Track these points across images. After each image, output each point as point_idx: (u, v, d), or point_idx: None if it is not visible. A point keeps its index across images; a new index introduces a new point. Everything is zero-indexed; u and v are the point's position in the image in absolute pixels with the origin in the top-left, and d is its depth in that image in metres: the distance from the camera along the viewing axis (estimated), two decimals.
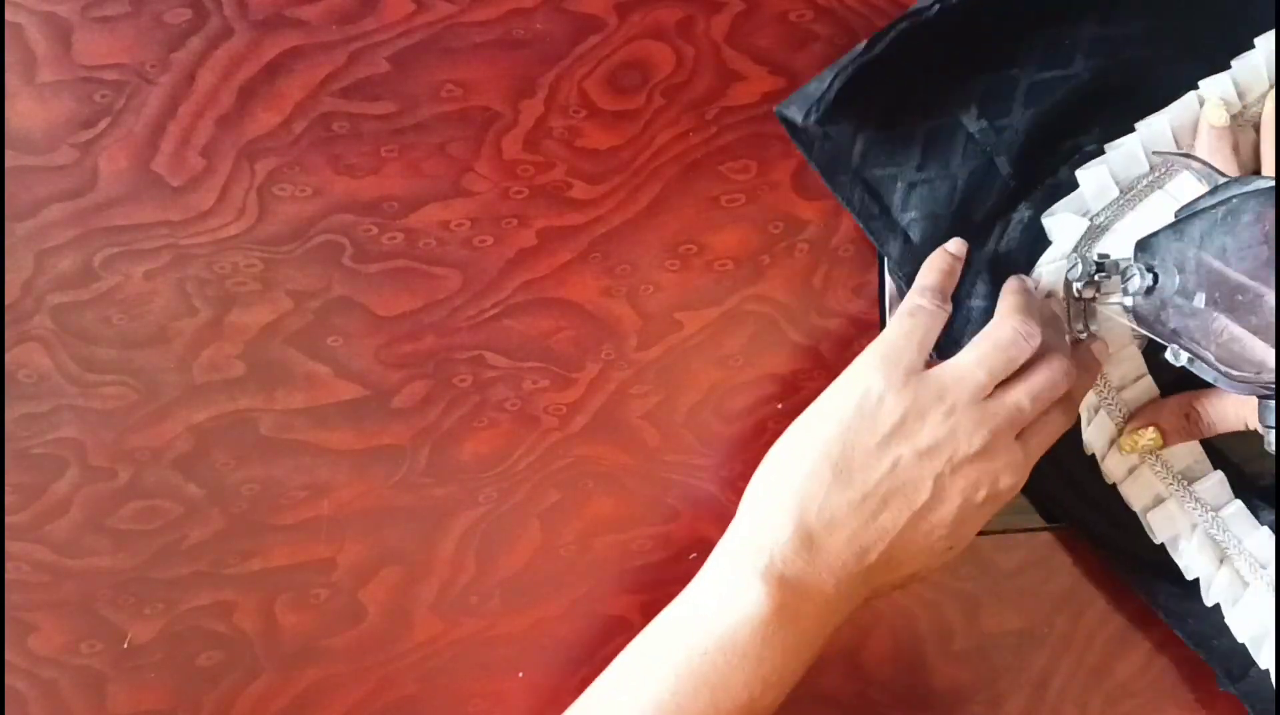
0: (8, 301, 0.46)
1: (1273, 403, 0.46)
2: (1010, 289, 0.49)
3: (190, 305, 0.48)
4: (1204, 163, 0.48)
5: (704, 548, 0.52)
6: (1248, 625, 0.51)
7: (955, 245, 0.50)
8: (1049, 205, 0.51)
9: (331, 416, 0.49)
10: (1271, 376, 0.44)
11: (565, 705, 0.47)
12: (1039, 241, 0.51)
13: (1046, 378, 0.47)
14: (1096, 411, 0.51)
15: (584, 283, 0.50)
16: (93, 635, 0.48)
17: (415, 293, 0.49)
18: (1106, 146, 0.51)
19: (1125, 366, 0.52)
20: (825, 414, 0.46)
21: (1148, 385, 0.52)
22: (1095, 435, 0.51)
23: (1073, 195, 0.50)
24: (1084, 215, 0.50)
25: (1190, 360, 0.47)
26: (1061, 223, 0.50)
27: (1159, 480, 0.52)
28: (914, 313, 0.48)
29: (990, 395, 0.46)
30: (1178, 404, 0.51)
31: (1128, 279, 0.48)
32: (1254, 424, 0.49)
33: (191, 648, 0.49)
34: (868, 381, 0.46)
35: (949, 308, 0.49)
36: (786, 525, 0.45)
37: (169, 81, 0.46)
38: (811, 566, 0.45)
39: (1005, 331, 0.47)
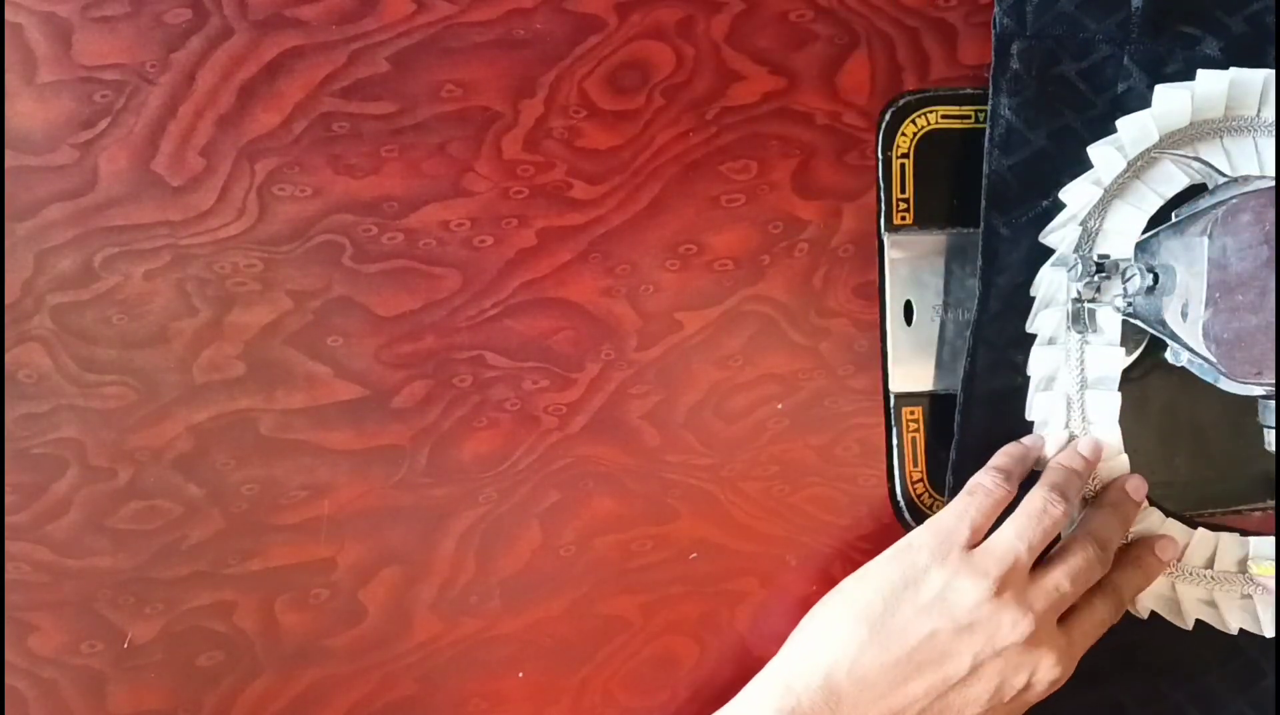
0: (8, 301, 0.46)
1: (1273, 402, 0.46)
2: (1050, 467, 0.50)
3: (190, 305, 0.48)
4: (1200, 159, 0.48)
5: (704, 548, 0.52)
6: None
7: (1033, 440, 0.51)
8: None
9: (331, 416, 0.49)
10: (1271, 376, 0.44)
11: (565, 705, 0.47)
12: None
13: (1083, 559, 0.48)
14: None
15: (584, 283, 0.50)
16: (93, 635, 0.48)
17: (415, 293, 0.49)
18: (1089, 149, 0.50)
19: (1203, 548, 0.52)
20: (871, 577, 0.48)
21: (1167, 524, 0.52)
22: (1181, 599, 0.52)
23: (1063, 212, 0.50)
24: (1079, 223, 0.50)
25: (1190, 360, 0.47)
26: (1060, 237, 0.50)
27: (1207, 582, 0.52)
28: (973, 491, 0.49)
29: (1032, 576, 0.47)
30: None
31: (1128, 279, 0.48)
32: None
33: (192, 648, 0.49)
34: (915, 553, 0.47)
35: (1012, 491, 0.49)
36: (816, 674, 0.46)
37: (169, 81, 0.46)
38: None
39: (1036, 501, 0.48)
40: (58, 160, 0.46)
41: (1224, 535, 0.51)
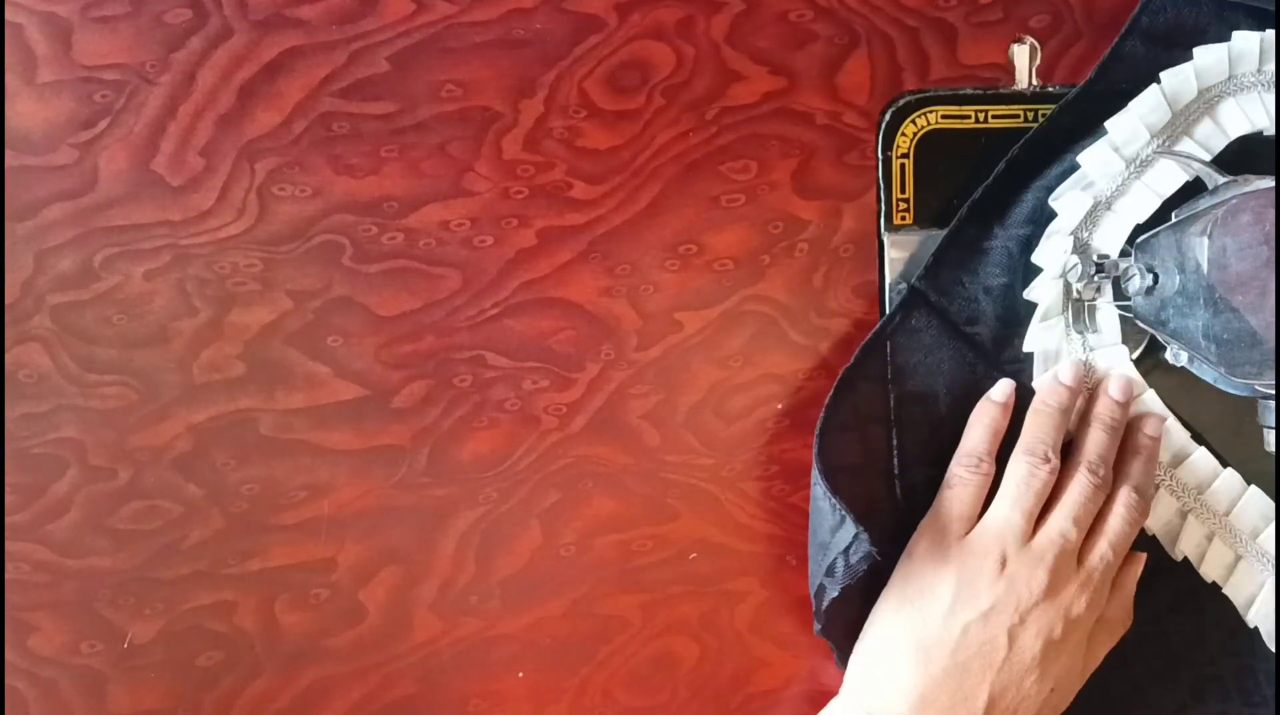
0: (8, 301, 0.46)
1: (1272, 403, 0.46)
2: (1029, 416, 0.50)
3: (190, 305, 0.48)
4: (1203, 162, 0.48)
5: (703, 548, 0.52)
6: None
7: (1000, 392, 0.50)
8: None
9: (331, 416, 0.49)
10: (1271, 377, 0.44)
11: (565, 705, 0.47)
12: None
13: (1079, 493, 0.48)
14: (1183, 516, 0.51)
15: (584, 283, 0.50)
16: (93, 635, 0.48)
17: (415, 293, 0.49)
18: (1079, 157, 0.50)
19: (1174, 446, 0.51)
20: (890, 608, 0.48)
21: (1203, 457, 0.51)
22: (1183, 535, 0.51)
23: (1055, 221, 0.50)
24: (1070, 234, 0.50)
25: (1190, 360, 0.47)
26: (1051, 247, 0.50)
27: (1229, 546, 0.51)
28: (950, 485, 0.49)
29: (1033, 534, 0.47)
30: None
31: (1128, 279, 0.48)
32: None
33: (191, 648, 0.49)
34: (917, 571, 0.48)
35: (991, 467, 0.49)
36: (878, 707, 0.46)
37: (169, 81, 0.46)
38: None
39: (1020, 468, 0.48)
40: (58, 160, 0.46)
41: (1253, 489, 0.51)
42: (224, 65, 0.46)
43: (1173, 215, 0.48)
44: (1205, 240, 0.45)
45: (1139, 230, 0.49)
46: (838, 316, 0.52)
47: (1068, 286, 0.50)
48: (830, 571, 0.48)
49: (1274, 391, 0.45)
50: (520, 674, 0.51)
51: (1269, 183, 0.44)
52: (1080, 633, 0.47)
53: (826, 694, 0.53)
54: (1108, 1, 0.52)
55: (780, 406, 0.52)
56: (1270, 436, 0.47)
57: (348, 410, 0.49)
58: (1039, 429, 0.49)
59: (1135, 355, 0.52)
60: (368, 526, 0.50)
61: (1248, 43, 0.49)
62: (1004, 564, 0.46)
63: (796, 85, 0.50)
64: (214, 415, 0.48)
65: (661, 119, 0.50)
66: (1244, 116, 0.49)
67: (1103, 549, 0.48)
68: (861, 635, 0.49)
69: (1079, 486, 0.48)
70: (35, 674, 0.48)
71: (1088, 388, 0.50)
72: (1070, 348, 0.51)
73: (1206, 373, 0.47)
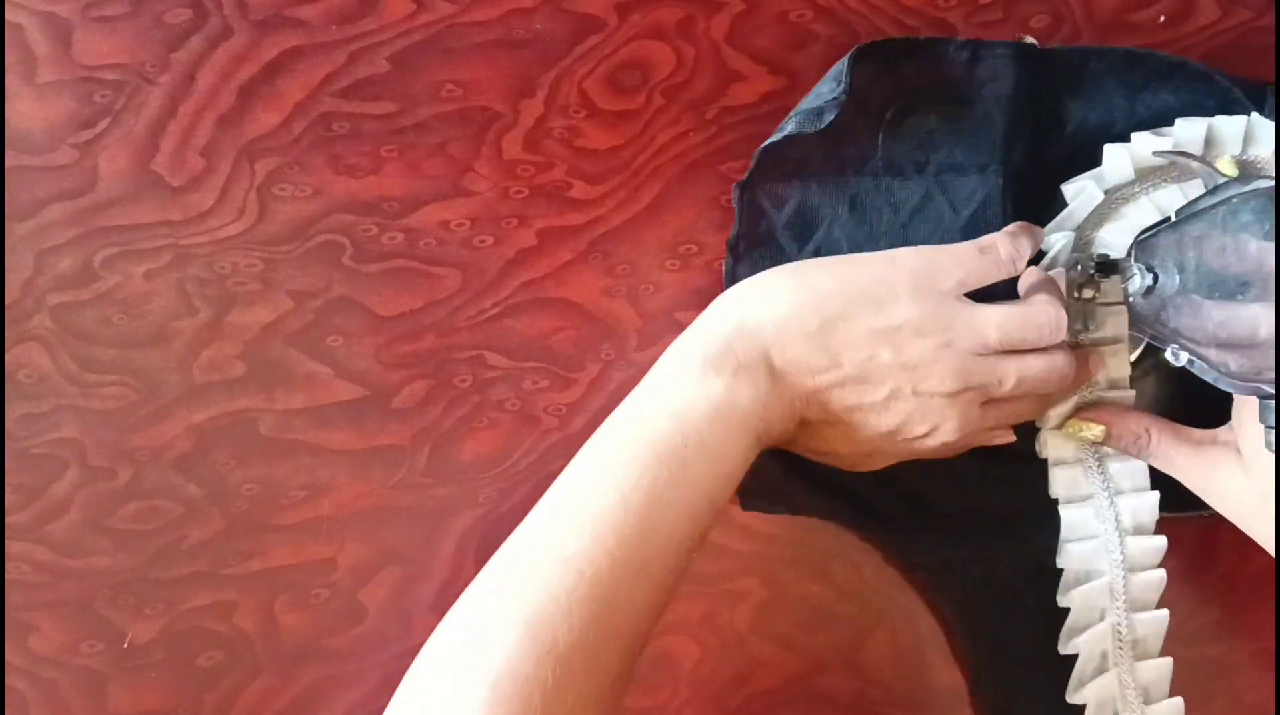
0: (8, 301, 0.46)
1: (1272, 403, 0.46)
2: (1054, 278, 0.49)
3: (190, 305, 0.48)
4: (1203, 162, 0.48)
5: (704, 548, 0.52)
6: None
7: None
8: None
9: (332, 416, 0.49)
10: (1271, 377, 0.44)
11: None
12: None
13: (1043, 369, 0.47)
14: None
15: (584, 283, 0.50)
16: (93, 635, 0.48)
17: (415, 293, 0.49)
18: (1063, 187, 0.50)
19: (1115, 371, 0.51)
20: (841, 273, 0.46)
21: (1127, 396, 0.52)
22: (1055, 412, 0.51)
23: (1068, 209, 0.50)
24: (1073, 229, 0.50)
25: (1190, 360, 0.47)
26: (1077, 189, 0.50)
27: (1087, 481, 0.51)
28: (985, 250, 0.47)
29: (986, 355, 0.46)
30: (1139, 420, 0.50)
31: (1128, 279, 0.48)
32: (1194, 485, 0.49)
33: (192, 647, 0.49)
34: (897, 278, 0.45)
35: (1019, 269, 0.47)
36: (753, 345, 0.44)
37: (169, 81, 0.46)
38: (762, 383, 0.44)
39: (1041, 313, 0.46)
40: (58, 160, 0.46)
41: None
42: (224, 65, 0.46)
43: (1172, 215, 0.48)
44: (1205, 240, 0.45)
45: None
46: None
47: (1069, 285, 0.50)
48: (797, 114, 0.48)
49: (1274, 391, 0.45)
50: None
51: (1269, 183, 0.44)
52: (917, 451, 0.47)
53: (827, 694, 0.53)
54: (1108, 1, 0.52)
55: None
56: (1270, 436, 0.47)
57: (348, 410, 0.49)
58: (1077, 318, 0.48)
59: (1135, 355, 0.52)
60: (368, 526, 0.50)
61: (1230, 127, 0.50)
62: (946, 347, 0.45)
63: (796, 85, 0.50)
64: (214, 415, 0.48)
65: (661, 119, 0.50)
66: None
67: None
68: (775, 271, 0.47)
69: (1052, 364, 0.47)
70: (35, 674, 0.48)
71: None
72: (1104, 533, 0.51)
73: (1206, 373, 0.47)
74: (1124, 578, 0.50)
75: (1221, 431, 0.49)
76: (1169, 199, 0.51)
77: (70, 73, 0.45)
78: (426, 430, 0.50)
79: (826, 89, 0.49)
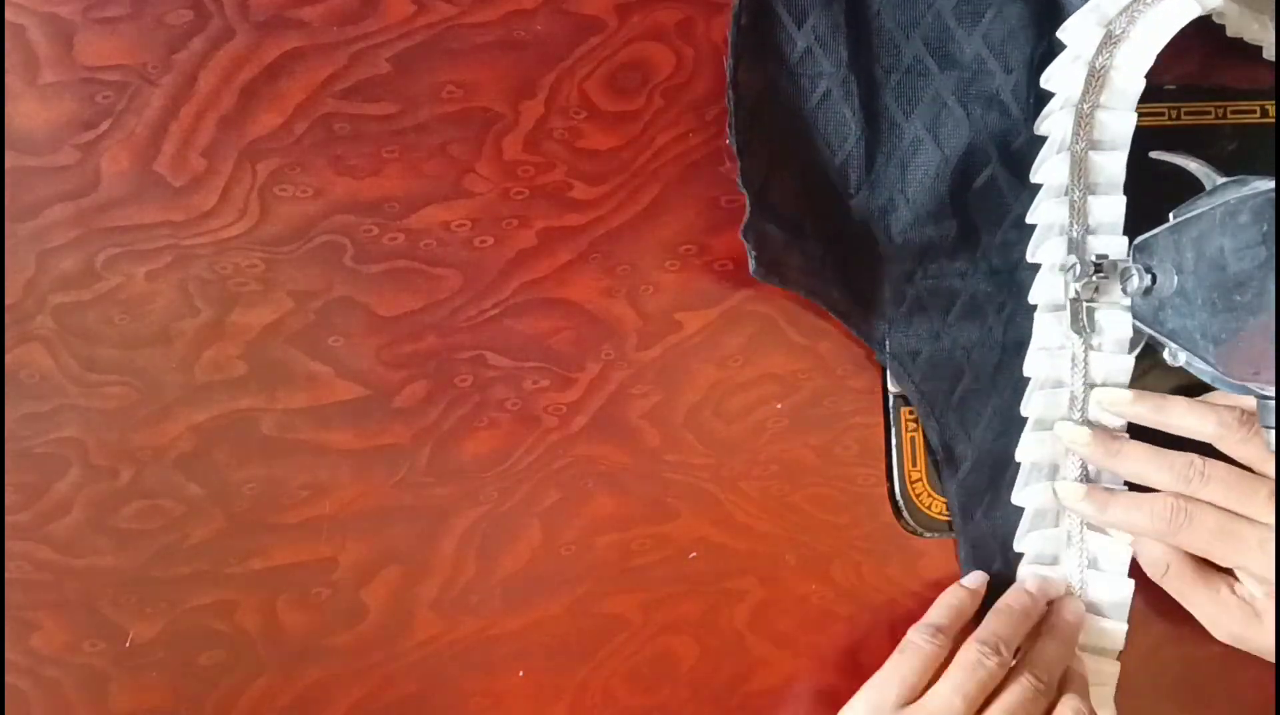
0: (10, 302, 0.46)
1: (1272, 403, 0.46)
2: (992, 611, 0.51)
3: (192, 305, 0.48)
4: (1201, 162, 0.48)
5: (704, 547, 0.52)
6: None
7: (972, 580, 0.52)
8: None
9: (333, 416, 0.49)
10: (1270, 377, 0.44)
11: (565, 704, 0.47)
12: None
13: (1018, 694, 0.48)
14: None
15: (584, 283, 0.51)
16: (95, 634, 0.48)
17: (416, 293, 0.49)
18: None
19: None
20: None
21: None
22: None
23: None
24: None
25: (1188, 361, 0.48)
26: (1076, 26, 0.49)
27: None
28: (903, 650, 0.49)
29: None
30: (1166, 551, 0.51)
31: (1126, 279, 0.48)
32: (1204, 621, 0.50)
33: (193, 647, 0.49)
34: None
35: (945, 646, 0.49)
36: None
37: (170, 82, 0.46)
38: None
39: (971, 654, 0.48)
40: (60, 161, 0.46)
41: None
42: (225, 66, 0.46)
43: (1171, 216, 0.48)
44: (1204, 241, 0.45)
45: (1136, 228, 0.49)
46: None
47: (1068, 286, 0.50)
48: None
49: (1273, 391, 0.46)
50: (520, 673, 0.51)
51: (1268, 183, 0.44)
52: None
53: (827, 693, 0.53)
54: None
55: (780, 406, 0.52)
56: (1269, 437, 0.47)
57: (349, 410, 0.49)
58: (997, 624, 0.50)
59: (1134, 355, 0.52)
60: (369, 526, 0.50)
61: None
62: None
63: None
64: (215, 415, 0.48)
65: (661, 120, 0.50)
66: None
67: None
68: None
69: (1021, 687, 0.48)
70: (37, 673, 0.48)
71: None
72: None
73: (1204, 373, 0.47)
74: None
75: (1239, 587, 0.50)
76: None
77: (72, 74, 0.45)
78: (427, 430, 0.50)
79: None
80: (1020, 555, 0.53)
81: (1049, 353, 0.51)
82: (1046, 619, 0.51)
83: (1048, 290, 0.51)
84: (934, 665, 0.49)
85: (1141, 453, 0.50)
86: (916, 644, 0.49)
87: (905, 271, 0.51)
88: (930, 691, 0.48)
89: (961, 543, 0.53)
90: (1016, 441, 0.52)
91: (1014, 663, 0.50)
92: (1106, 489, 0.51)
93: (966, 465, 0.53)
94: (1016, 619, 0.50)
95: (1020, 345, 0.52)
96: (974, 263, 0.52)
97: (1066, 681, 0.50)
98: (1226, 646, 0.51)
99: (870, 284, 0.52)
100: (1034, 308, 0.51)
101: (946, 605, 0.51)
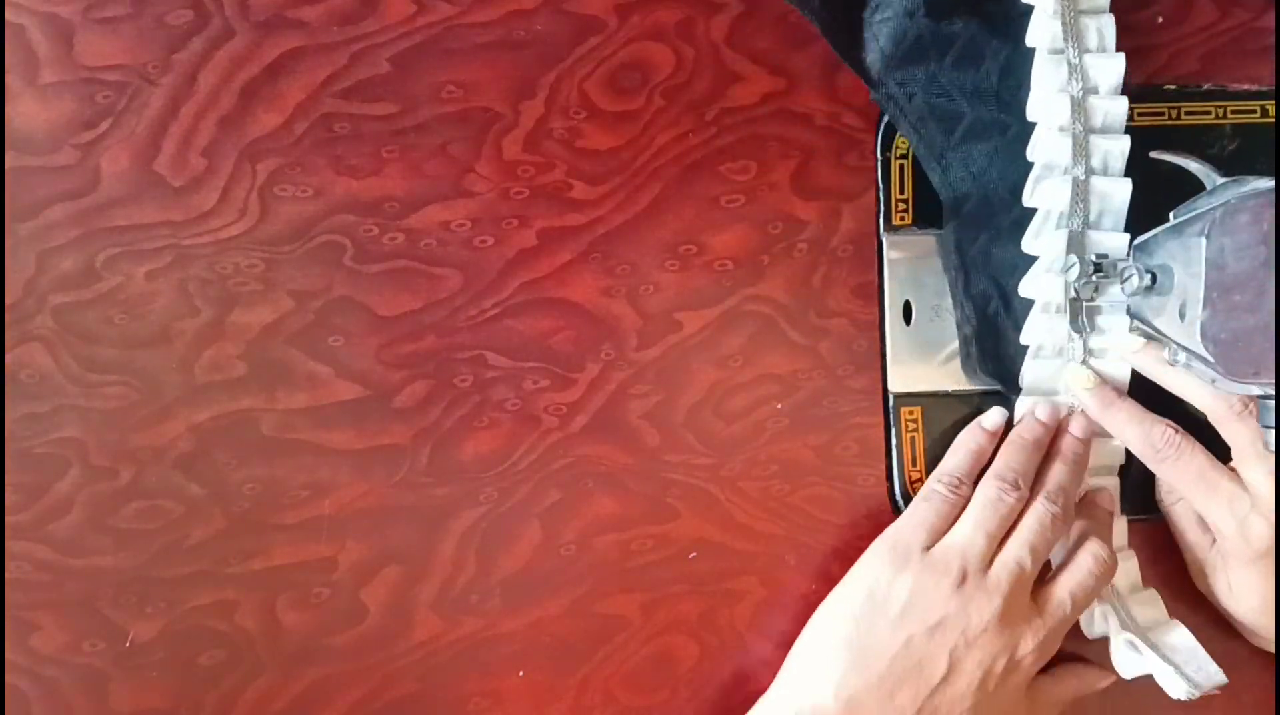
0: (10, 301, 0.46)
1: (1272, 403, 0.46)
2: (1005, 445, 0.50)
3: (192, 305, 0.48)
4: (1201, 162, 0.48)
5: (703, 547, 0.52)
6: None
7: (991, 419, 0.51)
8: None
9: (333, 416, 0.49)
10: (1270, 377, 0.44)
11: (565, 704, 0.47)
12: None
13: (1037, 522, 0.48)
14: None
15: (584, 283, 0.51)
16: (95, 634, 0.48)
17: (416, 293, 0.49)
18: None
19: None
20: (840, 601, 0.48)
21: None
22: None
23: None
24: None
25: (1187, 360, 0.48)
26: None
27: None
28: (928, 497, 0.49)
29: (991, 559, 0.47)
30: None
31: (1126, 279, 0.48)
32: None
33: (193, 647, 0.49)
34: (876, 571, 0.48)
35: (968, 491, 0.49)
36: (806, 703, 0.46)
37: (170, 82, 0.46)
38: None
39: (990, 490, 0.48)
40: (60, 161, 0.46)
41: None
42: (225, 66, 0.46)
43: (1171, 216, 0.48)
44: (1203, 241, 0.45)
45: (1136, 229, 0.49)
46: (837, 316, 0.52)
47: (1067, 286, 0.50)
48: None
49: (1273, 391, 0.45)
50: (520, 673, 0.51)
51: (1267, 183, 0.44)
52: (1021, 677, 0.47)
53: None
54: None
55: (780, 406, 0.52)
56: (1269, 436, 0.47)
57: (349, 410, 0.49)
58: (1012, 458, 0.50)
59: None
60: (369, 526, 0.50)
61: None
62: (962, 581, 0.46)
63: (796, 86, 0.50)
64: (215, 415, 0.48)
65: (661, 120, 0.50)
66: None
67: (1061, 593, 0.48)
68: (806, 627, 0.49)
69: (1036, 514, 0.48)
70: (37, 673, 0.48)
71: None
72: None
73: (1204, 373, 0.47)
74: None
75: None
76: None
77: (72, 74, 0.45)
78: (427, 430, 0.50)
79: None
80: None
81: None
82: (1054, 444, 0.51)
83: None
84: (956, 511, 0.49)
85: (1128, 414, 0.50)
86: (938, 491, 0.49)
87: (907, 8, 0.50)
88: (953, 530, 0.48)
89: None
90: (1020, 181, 0.50)
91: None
92: (1115, 390, 0.51)
93: (971, 203, 0.52)
94: (1030, 450, 0.50)
95: (1019, 86, 0.50)
96: (972, 6, 0.51)
97: (1088, 517, 0.50)
98: (1226, 646, 0.51)
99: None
100: (1032, 51, 0.50)
101: (967, 451, 0.51)
